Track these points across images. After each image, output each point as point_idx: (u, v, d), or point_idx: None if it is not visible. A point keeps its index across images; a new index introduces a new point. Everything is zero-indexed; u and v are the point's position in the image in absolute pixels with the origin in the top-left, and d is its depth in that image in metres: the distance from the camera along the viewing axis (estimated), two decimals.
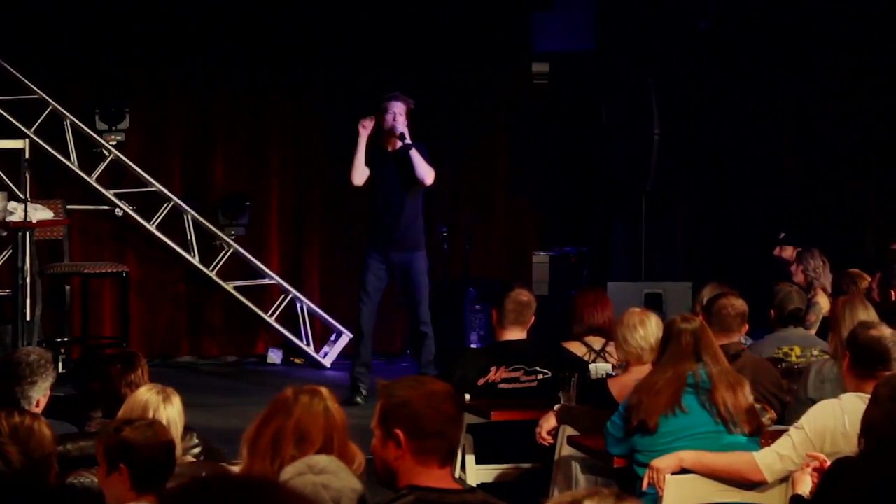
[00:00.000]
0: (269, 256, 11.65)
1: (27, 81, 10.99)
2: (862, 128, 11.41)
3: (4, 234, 9.69)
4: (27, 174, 9.46)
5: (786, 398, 6.62)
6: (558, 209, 12.44)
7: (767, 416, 5.99)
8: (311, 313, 11.57)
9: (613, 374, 6.76)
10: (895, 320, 6.27)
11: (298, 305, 11.55)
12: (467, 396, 6.77)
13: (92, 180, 11.11)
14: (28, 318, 9.43)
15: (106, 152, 11.18)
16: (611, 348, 7.24)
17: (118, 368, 5.47)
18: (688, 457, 5.49)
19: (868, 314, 6.28)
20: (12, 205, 9.47)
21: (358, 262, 11.28)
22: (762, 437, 5.68)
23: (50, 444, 4.16)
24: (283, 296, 11.54)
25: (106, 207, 11.20)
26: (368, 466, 3.90)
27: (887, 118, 11.31)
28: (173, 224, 11.33)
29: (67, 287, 10.76)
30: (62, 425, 5.40)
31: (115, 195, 11.17)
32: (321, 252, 11.82)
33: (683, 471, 5.50)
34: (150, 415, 4.61)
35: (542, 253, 12.23)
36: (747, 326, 6.97)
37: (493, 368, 7.01)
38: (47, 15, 11.12)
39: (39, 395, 5.37)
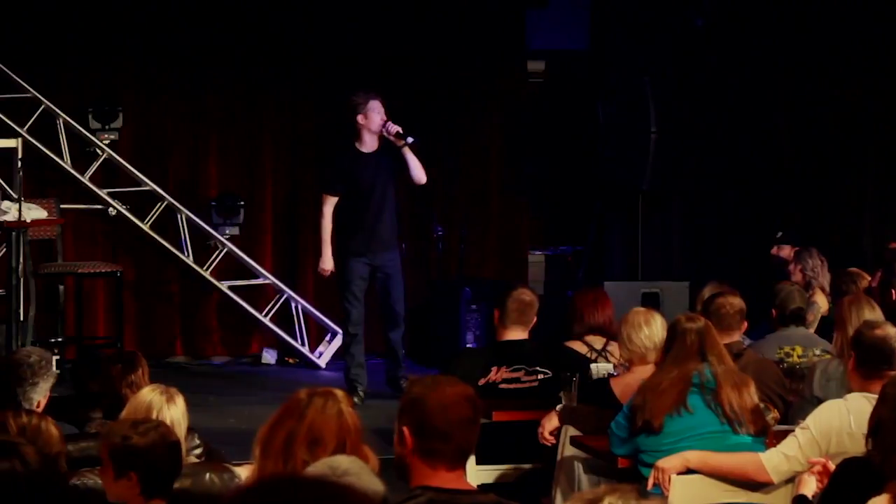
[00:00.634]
0: (263, 256, 11.60)
1: (20, 80, 10.92)
2: (859, 126, 11.40)
3: None
4: (20, 173, 9.39)
5: (789, 397, 6.61)
6: (554, 208, 12.41)
7: (771, 416, 5.96)
8: (306, 313, 11.52)
9: (615, 373, 6.74)
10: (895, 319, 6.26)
11: (293, 305, 11.50)
12: None
13: (85, 179, 11.05)
14: (21, 318, 9.37)
15: (99, 151, 11.12)
16: (611, 348, 7.23)
17: (119, 369, 5.43)
18: (693, 457, 5.48)
19: (874, 314, 6.27)
20: (6, 204, 9.40)
21: None
22: (767, 437, 5.65)
23: (58, 443, 4.13)
24: (277, 295, 11.49)
25: (99, 207, 11.13)
26: (383, 469, 3.85)
27: (884, 116, 11.30)
28: (167, 223, 11.27)
29: (61, 287, 10.70)
30: (62, 426, 5.35)
31: (109, 194, 11.10)
32: (316, 251, 11.71)
33: (689, 471, 5.49)
34: (154, 415, 4.57)
35: (537, 252, 12.21)
36: (746, 324, 6.96)
37: (494, 369, 6.98)
38: (40, 13, 11.05)
39: (41, 396, 5.34)
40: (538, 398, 6.88)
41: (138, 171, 11.17)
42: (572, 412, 6.39)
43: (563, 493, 6.33)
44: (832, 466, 4.94)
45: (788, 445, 5.39)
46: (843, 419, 5.32)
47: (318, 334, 11.61)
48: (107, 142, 11.12)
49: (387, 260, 9.67)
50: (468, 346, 10.75)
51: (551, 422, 6.45)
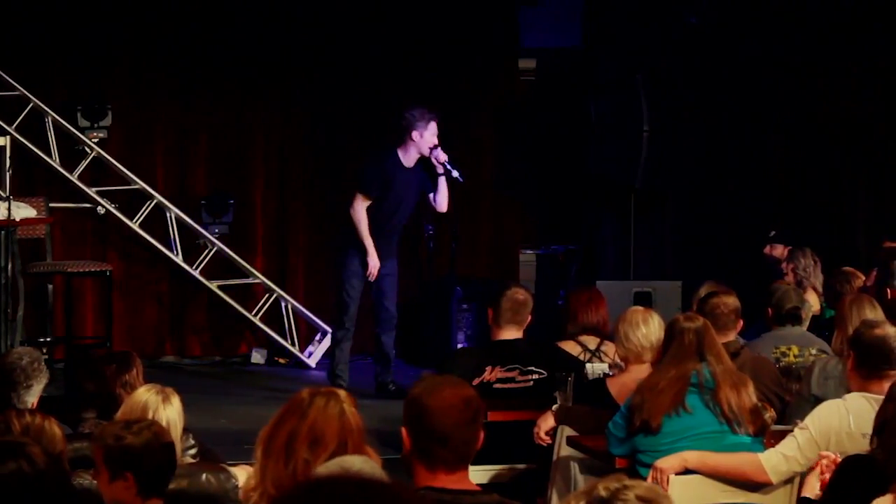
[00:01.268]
0: (253, 255, 11.54)
1: (8, 78, 10.85)
2: (853, 124, 11.37)
3: None
4: (9, 172, 9.33)
5: (786, 396, 6.58)
6: (546, 207, 12.37)
7: (768, 415, 5.92)
8: (296, 313, 11.46)
9: (611, 373, 6.71)
10: (893, 319, 6.23)
11: (283, 305, 11.44)
12: None
13: (74, 178, 10.98)
14: (10, 317, 9.30)
15: (88, 150, 11.05)
16: (605, 347, 7.21)
17: (113, 369, 5.38)
18: (692, 457, 5.46)
19: (875, 313, 6.25)
20: None
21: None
22: (766, 436, 5.62)
23: (61, 442, 4.09)
24: (267, 295, 11.43)
25: (88, 205, 11.07)
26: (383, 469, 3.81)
27: (878, 115, 11.28)
28: (156, 222, 11.21)
29: (50, 286, 10.63)
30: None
31: (98, 193, 11.04)
32: (306, 251, 11.72)
33: (687, 471, 5.47)
34: (150, 416, 4.54)
35: (529, 251, 12.18)
36: (742, 322, 6.93)
37: (489, 368, 6.94)
38: (28, 10, 10.98)
39: (34, 398, 5.30)
40: (533, 398, 6.84)
41: (127, 169, 11.11)
42: (568, 412, 6.36)
43: (560, 493, 6.30)
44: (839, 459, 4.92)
45: (787, 446, 5.38)
46: (842, 419, 5.31)
47: (307, 334, 11.56)
48: (96, 140, 11.06)
49: (388, 263, 9.74)
50: (460, 345, 10.71)
51: (547, 422, 6.42)
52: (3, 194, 9.36)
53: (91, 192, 11.02)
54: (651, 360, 6.18)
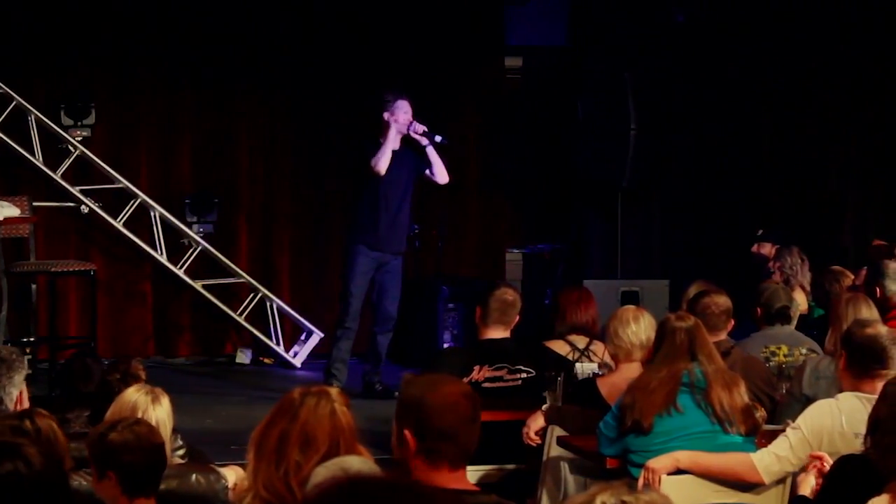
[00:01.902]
0: (238, 254, 11.49)
1: None
2: (840, 123, 11.37)
3: None
4: None
5: (776, 396, 6.56)
6: (532, 206, 12.34)
7: (758, 414, 5.90)
8: (282, 312, 11.41)
9: (600, 372, 6.68)
10: (883, 318, 6.22)
11: (268, 304, 11.39)
12: None
13: (57, 177, 10.91)
14: None
15: (71, 148, 10.98)
16: (594, 347, 7.17)
17: (116, 377, 5.37)
18: (684, 457, 5.44)
19: (871, 313, 6.23)
20: None
21: (329, 259, 11.18)
22: (757, 436, 5.59)
23: (64, 442, 4.08)
24: (252, 294, 11.38)
25: (71, 204, 11.00)
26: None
27: (866, 114, 11.28)
28: (140, 221, 11.16)
29: (33, 286, 10.56)
30: None
31: (82, 192, 10.97)
32: (291, 250, 11.67)
33: (679, 471, 5.44)
34: (140, 415, 4.52)
35: (515, 250, 12.14)
36: (733, 322, 6.91)
37: (477, 367, 6.91)
38: (10, 8, 10.91)
39: (17, 390, 5.27)
40: (521, 398, 6.80)
41: (111, 168, 11.05)
42: (558, 412, 6.33)
43: (550, 493, 6.27)
44: (829, 461, 4.89)
45: (780, 446, 5.36)
46: (834, 419, 5.29)
47: (293, 334, 11.51)
48: (79, 139, 11.00)
49: (392, 261, 9.71)
50: (446, 345, 10.69)
51: (537, 422, 6.40)
52: None
53: (75, 191, 10.95)
54: (641, 360, 6.16)
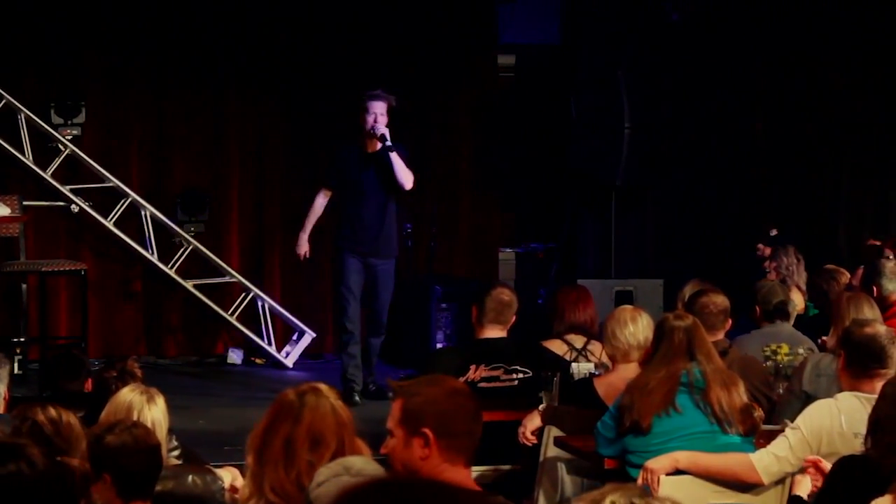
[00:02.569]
0: (229, 254, 11.44)
1: None
2: (834, 122, 11.36)
3: None
4: None
5: (773, 396, 6.53)
6: (525, 205, 12.30)
7: (756, 414, 5.86)
8: (273, 312, 11.36)
9: (597, 372, 6.64)
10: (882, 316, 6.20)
11: (259, 304, 11.33)
12: None
13: (47, 176, 10.85)
14: None
15: (61, 147, 10.92)
16: (592, 347, 7.14)
17: (113, 375, 5.34)
18: (683, 457, 5.42)
19: (874, 312, 6.20)
20: None
21: (321, 260, 11.12)
22: (756, 436, 5.56)
23: (82, 436, 4.07)
24: (243, 294, 11.32)
25: (62, 204, 10.94)
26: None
27: (860, 112, 11.26)
28: (131, 221, 11.10)
29: (24, 285, 10.52)
30: None
31: (72, 191, 10.92)
32: (282, 249, 11.60)
33: (678, 472, 5.43)
34: (135, 416, 4.48)
35: (508, 249, 12.10)
36: (731, 322, 6.88)
37: (473, 367, 6.90)
38: None
39: (4, 386, 5.23)
40: (518, 398, 6.77)
41: (102, 167, 10.99)
42: (555, 412, 6.30)
43: (546, 494, 6.25)
44: (827, 466, 4.86)
45: (779, 446, 5.35)
46: (833, 419, 5.27)
47: (284, 334, 11.46)
48: (69, 137, 10.94)
49: (380, 265, 9.66)
50: (439, 345, 10.65)
51: (533, 422, 6.38)
52: None
53: (65, 189, 10.89)
54: (638, 360, 6.12)
